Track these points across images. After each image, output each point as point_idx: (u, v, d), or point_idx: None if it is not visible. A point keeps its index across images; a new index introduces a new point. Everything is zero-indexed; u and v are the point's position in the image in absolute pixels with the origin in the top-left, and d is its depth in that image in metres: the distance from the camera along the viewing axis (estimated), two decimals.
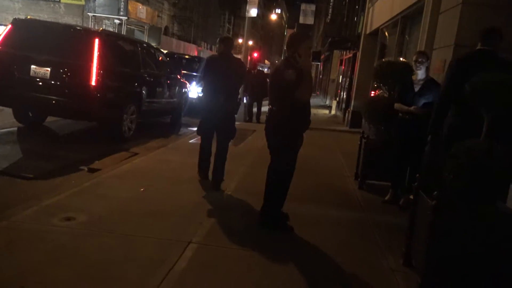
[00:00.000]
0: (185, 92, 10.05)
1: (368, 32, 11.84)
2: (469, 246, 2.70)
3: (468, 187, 2.70)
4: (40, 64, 6.24)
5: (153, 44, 13.87)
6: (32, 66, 6.24)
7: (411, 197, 3.37)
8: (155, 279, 2.64)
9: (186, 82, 10.24)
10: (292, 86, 3.43)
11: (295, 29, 38.62)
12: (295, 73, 3.45)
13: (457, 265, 2.73)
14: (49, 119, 7.71)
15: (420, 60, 4.42)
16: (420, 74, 4.48)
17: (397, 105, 4.61)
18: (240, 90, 12.10)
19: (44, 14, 20.79)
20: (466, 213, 2.73)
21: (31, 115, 7.40)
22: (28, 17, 7.71)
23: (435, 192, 2.73)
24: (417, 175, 3.43)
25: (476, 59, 3.69)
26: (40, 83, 6.27)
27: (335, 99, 18.39)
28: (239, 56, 14.23)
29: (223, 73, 4.70)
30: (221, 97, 4.68)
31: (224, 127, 4.83)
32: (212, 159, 4.99)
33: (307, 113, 3.65)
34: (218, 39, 5.07)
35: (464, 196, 2.73)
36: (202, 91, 4.96)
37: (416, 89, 4.48)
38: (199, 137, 5.13)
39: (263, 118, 11.29)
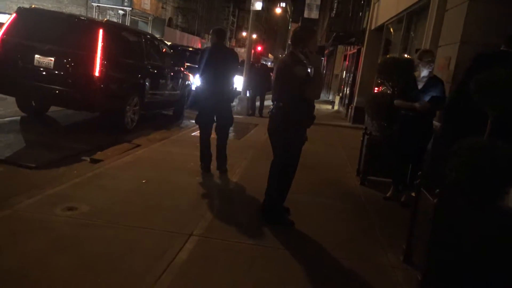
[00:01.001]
0: (188, 85, 10.04)
1: (373, 27, 11.77)
2: (470, 244, 2.70)
3: (470, 185, 2.70)
4: (44, 53, 6.24)
5: (157, 36, 13.83)
6: (36, 56, 6.24)
7: (413, 194, 3.38)
8: (156, 271, 2.65)
9: (189, 74, 10.22)
10: (302, 83, 3.41)
11: (299, 23, 38.39)
12: (306, 69, 3.43)
13: (458, 263, 2.73)
14: (52, 109, 7.73)
15: (432, 59, 4.41)
16: (425, 71, 4.45)
17: (397, 102, 4.59)
18: (244, 84, 12.15)
19: (48, 4, 20.69)
20: (468, 211, 2.73)
21: (34, 104, 7.41)
22: (32, 6, 7.66)
23: (437, 190, 2.72)
24: (419, 172, 3.43)
25: (496, 57, 3.70)
26: (44, 73, 6.27)
27: (338, 95, 18.34)
28: (242, 50, 14.16)
29: (217, 63, 4.83)
30: (216, 86, 4.84)
31: (222, 115, 5.00)
32: (213, 151, 5.11)
33: (312, 109, 3.64)
34: (211, 30, 5.18)
35: (466, 194, 2.73)
36: (200, 81, 5.13)
37: (420, 86, 4.46)
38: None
39: (265, 112, 11.27)
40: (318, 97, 3.63)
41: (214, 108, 4.91)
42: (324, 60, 32.12)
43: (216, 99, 4.86)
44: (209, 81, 4.87)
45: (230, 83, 5.05)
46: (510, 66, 3.40)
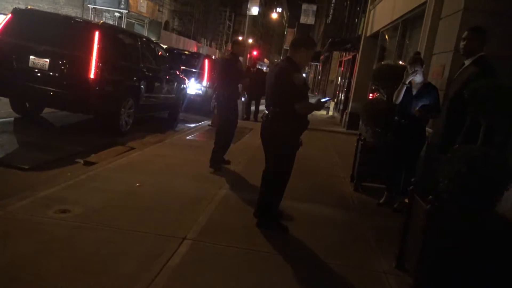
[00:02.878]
0: (184, 88, 10.04)
1: (368, 34, 11.85)
2: (462, 251, 2.72)
3: (462, 192, 2.73)
4: (39, 55, 6.21)
5: (153, 39, 13.82)
6: (31, 57, 6.21)
7: (406, 200, 3.39)
8: (149, 274, 2.65)
9: (185, 78, 10.22)
10: (299, 90, 3.43)
11: (295, 29, 38.58)
12: (304, 78, 3.48)
13: (450, 269, 2.75)
14: (46, 110, 7.69)
15: (416, 70, 4.44)
16: (418, 78, 4.49)
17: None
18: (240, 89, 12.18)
19: (44, 4, 20.61)
20: (460, 218, 2.75)
21: (28, 105, 7.37)
22: (28, 7, 7.66)
23: (430, 196, 2.75)
24: (412, 178, 3.45)
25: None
26: (39, 74, 6.24)
27: (333, 100, 18.41)
28: None
29: (225, 71, 5.62)
30: (228, 90, 5.52)
31: (232, 114, 5.68)
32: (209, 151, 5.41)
33: (306, 115, 3.65)
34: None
35: (458, 201, 2.75)
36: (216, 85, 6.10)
37: (414, 92, 4.50)
38: (196, 133, 5.40)
39: (260, 116, 11.26)
40: (303, 114, 3.58)
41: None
42: (319, 65, 32.28)
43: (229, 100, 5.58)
44: (223, 86, 5.61)
45: (237, 88, 5.83)
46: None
